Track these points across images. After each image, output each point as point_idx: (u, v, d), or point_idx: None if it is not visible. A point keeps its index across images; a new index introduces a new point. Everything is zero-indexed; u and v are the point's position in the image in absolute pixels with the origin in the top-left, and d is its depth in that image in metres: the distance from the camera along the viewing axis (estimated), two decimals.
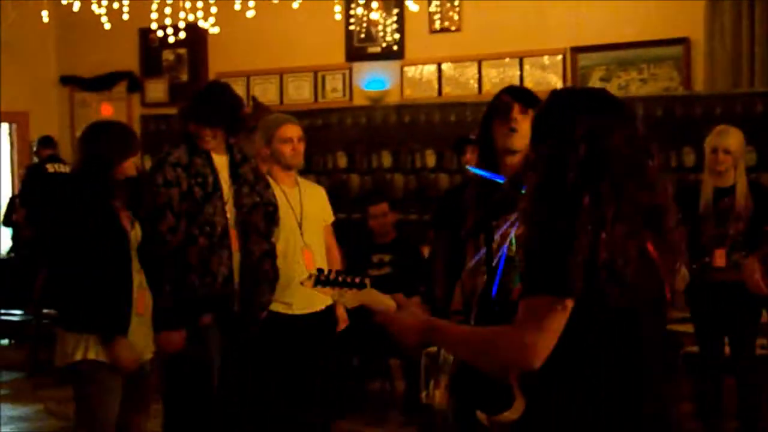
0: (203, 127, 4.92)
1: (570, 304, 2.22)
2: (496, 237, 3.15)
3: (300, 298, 5.29)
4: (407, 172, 9.49)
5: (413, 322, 2.56)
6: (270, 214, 5.15)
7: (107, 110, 11.76)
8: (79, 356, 4.41)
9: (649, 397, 2.46)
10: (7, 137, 11.89)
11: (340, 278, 2.74)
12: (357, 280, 2.76)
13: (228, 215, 4.96)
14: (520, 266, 2.62)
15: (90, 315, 4.38)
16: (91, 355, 4.39)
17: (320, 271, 2.75)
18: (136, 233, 4.54)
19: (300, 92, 10.53)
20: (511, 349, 2.28)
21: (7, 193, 11.24)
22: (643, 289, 2.41)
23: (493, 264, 3.05)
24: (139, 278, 4.53)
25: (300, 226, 5.43)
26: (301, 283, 2.82)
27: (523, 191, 2.62)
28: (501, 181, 3.41)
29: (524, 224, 2.46)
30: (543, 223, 2.31)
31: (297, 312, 5.35)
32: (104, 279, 4.38)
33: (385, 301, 2.74)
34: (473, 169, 3.72)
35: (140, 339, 4.60)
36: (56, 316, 4.95)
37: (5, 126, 11.89)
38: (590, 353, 2.37)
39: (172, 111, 8.97)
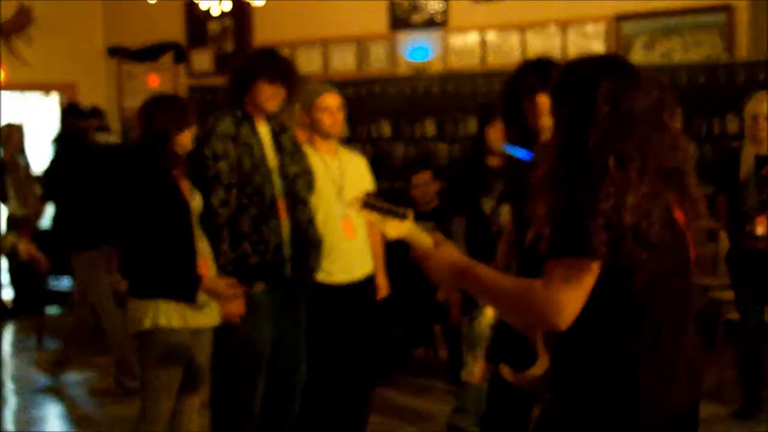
0: (269, 85, 4.95)
1: (596, 266, 2.23)
2: None
3: (340, 266, 5.37)
4: (451, 141, 9.73)
5: (450, 259, 2.54)
6: (310, 182, 5.20)
7: (154, 81, 12.07)
8: (148, 324, 4.55)
9: (676, 359, 2.47)
10: (57, 105, 12.02)
11: (385, 206, 2.72)
12: (400, 210, 2.72)
13: (276, 184, 5.04)
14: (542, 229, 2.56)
15: (161, 282, 4.51)
16: (163, 322, 4.52)
17: (368, 194, 2.76)
18: (197, 203, 4.63)
19: (344, 62, 10.63)
20: (539, 307, 2.31)
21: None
22: (668, 251, 2.42)
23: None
24: (201, 246, 4.63)
25: (339, 194, 5.50)
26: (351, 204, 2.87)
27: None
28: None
29: (547, 188, 2.44)
30: (567, 186, 2.32)
31: (337, 280, 5.39)
32: (171, 247, 4.50)
33: (424, 237, 2.70)
34: (510, 149, 3.77)
35: (207, 309, 4.74)
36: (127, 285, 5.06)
37: (55, 96, 12.14)
38: (617, 315, 2.40)
39: (218, 81, 9.05)
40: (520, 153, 3.65)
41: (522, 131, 3.90)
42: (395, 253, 5.64)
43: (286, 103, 5.31)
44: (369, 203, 2.72)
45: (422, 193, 7.47)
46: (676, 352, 2.45)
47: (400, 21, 10.16)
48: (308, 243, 5.14)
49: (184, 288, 4.52)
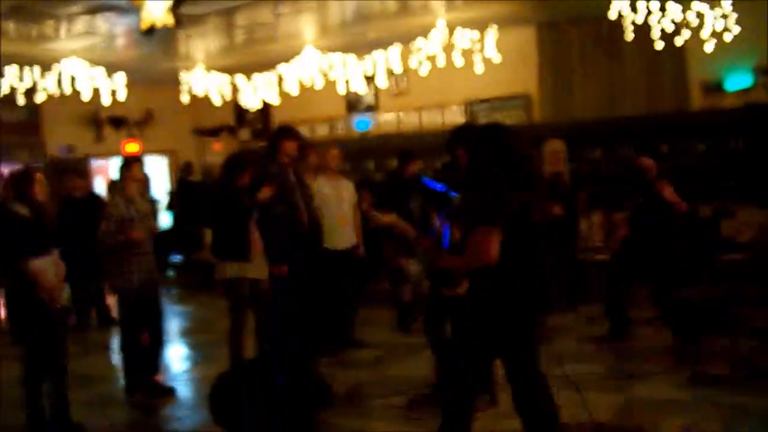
0: (292, 142, 6.88)
1: (498, 230, 3.74)
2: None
3: (337, 240, 7.68)
4: (382, 171, 14.01)
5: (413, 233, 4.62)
6: (311, 198, 7.16)
7: (218, 146, 16.38)
8: (227, 274, 6.69)
9: (536, 283, 3.99)
10: (166, 163, 17.13)
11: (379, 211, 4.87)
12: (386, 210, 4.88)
13: (301, 199, 7.00)
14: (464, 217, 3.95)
15: (231, 251, 6.60)
16: (232, 275, 6.66)
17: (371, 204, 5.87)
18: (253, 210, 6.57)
19: (322, 131, 15.36)
20: (481, 255, 3.79)
21: (166, 193, 16.16)
22: (534, 223, 3.95)
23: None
24: (256, 233, 6.58)
25: (338, 201, 7.82)
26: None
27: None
28: (441, 189, 4.53)
29: (469, 194, 3.88)
30: (482, 191, 3.77)
31: (336, 247, 7.65)
32: (236, 233, 6.57)
33: (401, 223, 4.79)
34: (425, 180, 4.79)
35: (260, 268, 6.67)
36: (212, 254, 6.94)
37: (165, 157, 17.15)
38: (504, 255, 3.85)
39: (254, 145, 13.14)
40: (429, 182, 4.68)
41: (453, 167, 5.48)
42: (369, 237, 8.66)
43: (299, 155, 7.15)
44: (376, 207, 5.40)
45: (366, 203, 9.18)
46: (524, 278, 3.99)
47: (352, 108, 15.06)
48: (317, 228, 7.15)
49: (243, 255, 6.50)
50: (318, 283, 7.22)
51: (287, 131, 7.22)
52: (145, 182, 7.23)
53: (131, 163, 6.93)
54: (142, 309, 6.77)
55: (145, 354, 6.93)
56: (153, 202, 13.85)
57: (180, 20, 7.81)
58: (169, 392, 7.15)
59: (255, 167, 6.91)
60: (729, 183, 10.65)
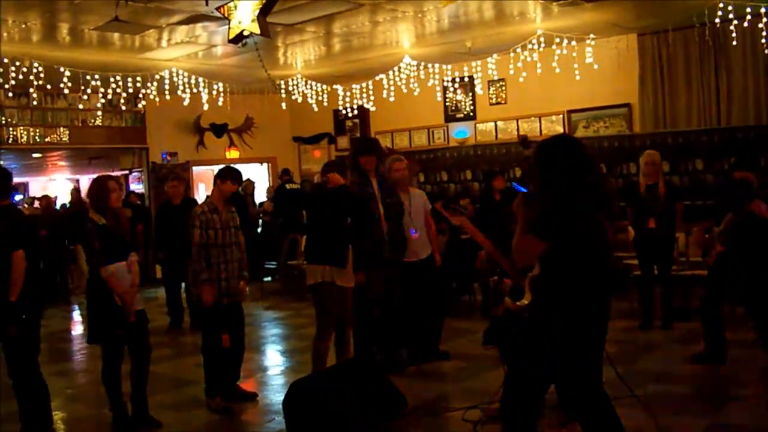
0: (367, 157, 7.17)
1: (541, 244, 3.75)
2: None
3: (411, 252, 7.57)
4: (480, 181, 14.00)
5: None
6: (401, 207, 7.35)
7: (317, 154, 16.72)
8: (318, 279, 6.66)
9: (597, 303, 3.91)
10: (266, 170, 17.36)
11: (453, 207, 6.05)
12: (461, 210, 6.19)
13: (380, 209, 7.15)
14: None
15: (325, 255, 6.65)
16: (322, 279, 6.63)
17: (447, 204, 6.30)
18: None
19: (421, 140, 15.45)
20: (521, 256, 3.91)
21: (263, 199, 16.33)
22: (600, 240, 3.89)
23: None
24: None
25: (409, 215, 7.59)
26: None
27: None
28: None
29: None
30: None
31: (411, 260, 7.56)
32: (330, 238, 6.65)
33: (470, 225, 4.58)
34: (515, 185, 4.67)
35: (348, 275, 6.76)
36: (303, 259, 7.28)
37: (265, 165, 17.41)
38: (566, 272, 3.84)
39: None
40: (519, 188, 4.52)
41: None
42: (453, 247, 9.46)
43: (380, 164, 7.42)
44: (447, 206, 6.36)
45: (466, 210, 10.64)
46: (585, 294, 3.88)
47: (450, 116, 15.07)
48: (398, 240, 7.32)
49: (339, 261, 6.58)
50: (395, 294, 7.24)
51: (362, 145, 7.36)
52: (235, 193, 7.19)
53: (227, 177, 6.95)
54: (224, 314, 6.81)
55: (227, 359, 6.98)
56: (247, 210, 13.99)
57: (266, 28, 7.91)
58: (251, 398, 7.19)
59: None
60: None
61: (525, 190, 4.41)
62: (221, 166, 7.23)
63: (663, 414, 4.93)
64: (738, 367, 7.30)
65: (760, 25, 9.98)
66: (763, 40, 10.12)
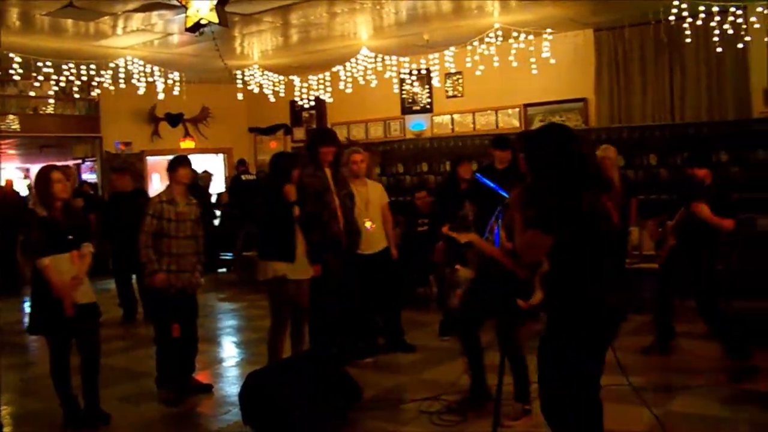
0: (328, 148, 7.04)
1: (548, 238, 3.54)
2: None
3: (366, 245, 7.50)
4: (436, 174, 13.95)
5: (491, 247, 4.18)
6: (352, 198, 7.26)
7: (273, 145, 16.60)
8: (269, 275, 6.57)
9: (604, 298, 3.67)
10: (222, 160, 17.24)
11: (461, 226, 4.22)
12: (468, 226, 4.21)
13: (336, 201, 7.09)
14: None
15: (274, 251, 6.51)
16: (274, 275, 6.56)
17: (453, 226, 4.23)
18: (296, 209, 6.45)
19: (377, 132, 15.47)
20: (526, 255, 3.70)
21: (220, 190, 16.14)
22: (605, 229, 3.68)
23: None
24: (298, 233, 6.46)
25: (366, 207, 7.58)
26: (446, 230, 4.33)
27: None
28: (494, 187, 4.47)
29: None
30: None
31: (365, 252, 7.52)
32: (280, 233, 6.44)
33: (482, 241, 4.27)
34: (481, 178, 4.85)
35: (302, 268, 6.67)
36: (255, 253, 7.19)
37: (221, 155, 17.29)
38: (570, 264, 3.64)
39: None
40: (485, 180, 4.70)
41: (490, 170, 6.07)
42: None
43: (338, 156, 7.30)
44: (454, 227, 4.19)
45: (422, 203, 10.32)
46: (602, 279, 3.67)
47: (407, 109, 15.10)
48: (353, 232, 7.24)
49: (287, 255, 6.46)
50: (351, 287, 7.19)
51: (323, 136, 7.25)
52: (194, 184, 7.08)
53: (177, 165, 6.86)
54: (175, 305, 6.73)
55: (180, 350, 6.91)
56: (207, 202, 14.02)
57: (224, 18, 7.82)
58: (206, 390, 7.15)
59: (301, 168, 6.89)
60: None
61: (491, 184, 4.45)
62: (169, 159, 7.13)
63: (613, 404, 4.91)
64: (688, 357, 7.42)
65: (713, 24, 10.10)
66: (716, 38, 10.25)
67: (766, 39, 10.09)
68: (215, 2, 7.74)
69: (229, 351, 9.13)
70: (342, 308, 7.19)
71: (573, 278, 3.67)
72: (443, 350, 7.99)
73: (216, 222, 14.97)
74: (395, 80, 13.27)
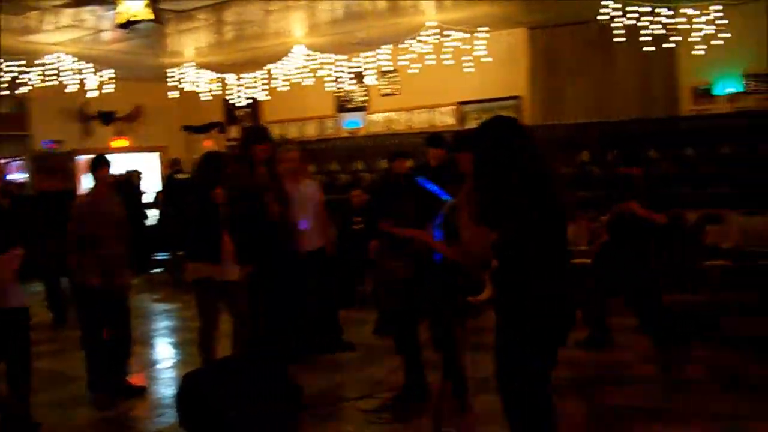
0: (262, 146, 6.92)
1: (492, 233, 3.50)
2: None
3: (302, 243, 7.47)
4: (371, 172, 14.09)
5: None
6: (284, 196, 7.18)
7: (208, 144, 16.24)
8: (195, 276, 6.50)
9: (559, 295, 3.63)
10: (158, 159, 17.01)
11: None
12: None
13: (270, 200, 7.01)
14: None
15: (201, 252, 6.46)
16: (200, 276, 6.47)
17: (395, 219, 4.66)
18: (225, 210, 6.37)
19: (312, 130, 15.53)
20: (472, 249, 3.67)
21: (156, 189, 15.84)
22: (554, 224, 3.61)
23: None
24: (225, 235, 6.37)
25: (301, 206, 7.47)
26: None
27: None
28: (435, 190, 4.49)
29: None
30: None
31: (301, 251, 7.48)
32: (206, 234, 6.42)
33: (424, 235, 4.26)
34: (420, 180, 4.82)
35: (230, 269, 6.55)
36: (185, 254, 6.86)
37: (155, 154, 17.06)
38: (526, 262, 3.59)
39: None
40: (427, 184, 4.65)
41: (425, 168, 5.96)
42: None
43: (274, 157, 7.20)
44: (396, 223, 4.62)
45: (358, 201, 10.26)
46: (552, 278, 3.62)
47: (342, 107, 15.15)
48: (288, 232, 7.21)
49: (213, 257, 6.31)
50: (289, 285, 7.11)
51: (257, 134, 7.15)
52: (120, 183, 6.92)
53: (98, 164, 6.73)
54: (104, 307, 6.62)
55: (111, 353, 6.81)
56: (137, 201, 13.86)
57: (159, 15, 7.70)
58: (140, 392, 7.03)
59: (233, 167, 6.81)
60: (717, 188, 10.61)
61: (432, 188, 4.40)
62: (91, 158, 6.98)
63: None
64: (621, 351, 7.55)
65: (643, 24, 10.30)
66: (646, 38, 10.46)
67: (692, 38, 10.29)
68: None
69: (165, 352, 9.00)
70: (279, 308, 7.10)
71: (522, 274, 3.61)
72: (381, 348, 7.98)
73: (149, 222, 14.73)
74: (330, 78, 13.18)
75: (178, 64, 13.65)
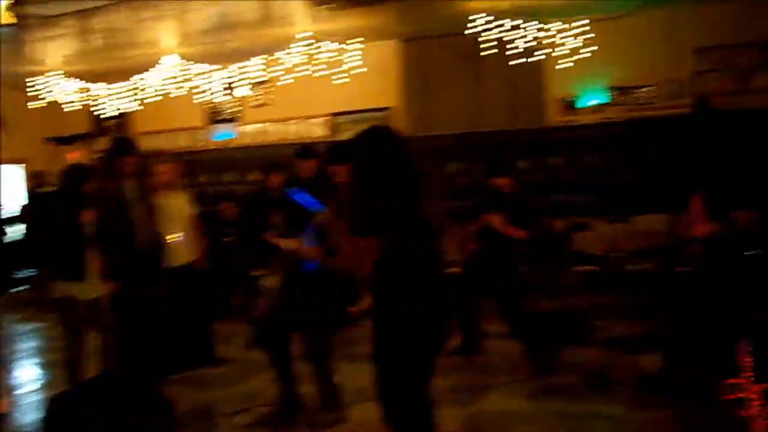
0: (129, 159, 6.86)
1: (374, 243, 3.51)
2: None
3: (172, 258, 7.42)
4: (244, 183, 13.99)
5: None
6: (152, 208, 7.07)
7: (73, 156, 15.71)
8: (57, 294, 6.48)
9: (435, 303, 3.69)
10: (21, 171, 16.12)
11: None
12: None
13: (138, 214, 6.93)
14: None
15: (63, 269, 6.39)
16: (62, 294, 6.46)
17: (271, 230, 4.75)
18: (91, 225, 6.27)
19: (184, 141, 15.21)
20: (352, 262, 3.69)
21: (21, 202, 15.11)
22: (430, 234, 3.72)
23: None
24: (92, 250, 6.27)
25: (171, 219, 7.41)
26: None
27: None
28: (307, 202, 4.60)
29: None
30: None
31: (171, 265, 7.36)
32: (69, 251, 6.35)
33: (304, 248, 4.70)
34: (294, 196, 5.01)
35: (95, 287, 6.50)
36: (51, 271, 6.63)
37: (18, 166, 16.19)
38: (402, 270, 3.63)
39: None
40: (298, 195, 4.87)
41: (296, 180, 5.86)
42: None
43: (143, 170, 7.06)
44: (276, 233, 4.80)
45: (228, 214, 10.55)
46: (427, 287, 3.69)
47: (213, 118, 15.03)
48: (158, 246, 7.18)
49: (75, 272, 6.31)
50: (159, 301, 6.98)
51: (124, 146, 7.01)
52: None
53: None
54: None
55: None
56: None
57: (21, 20, 7.36)
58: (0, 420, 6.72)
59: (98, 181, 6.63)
60: (583, 197, 11.01)
61: (304, 201, 4.37)
62: None
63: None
64: (494, 356, 7.74)
65: (512, 37, 10.59)
66: (514, 51, 10.74)
67: (559, 52, 10.65)
68: (11, 1, 7.22)
69: (29, 375, 8.67)
70: (148, 324, 6.94)
71: (397, 284, 3.64)
72: (254, 362, 7.84)
73: (12, 237, 14.06)
74: (202, 89, 12.97)
75: (42, 72, 13.09)
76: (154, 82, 12.69)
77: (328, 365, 5.74)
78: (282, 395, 6.12)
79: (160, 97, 12.81)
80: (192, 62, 12.59)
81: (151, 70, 12.62)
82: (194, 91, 12.95)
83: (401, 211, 3.63)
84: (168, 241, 7.28)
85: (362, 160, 3.79)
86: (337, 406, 5.85)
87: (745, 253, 6.21)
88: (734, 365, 4.85)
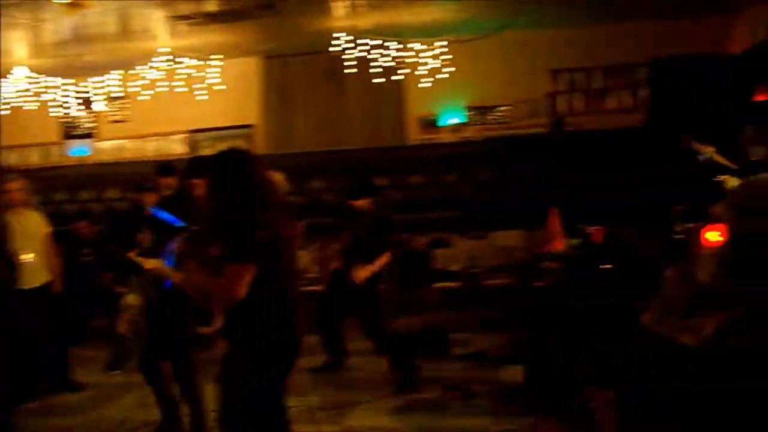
0: None
1: (252, 268, 3.46)
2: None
3: (25, 279, 7.04)
4: (100, 202, 13.59)
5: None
6: (6, 231, 6.68)
7: None
8: None
9: (288, 323, 3.69)
10: None
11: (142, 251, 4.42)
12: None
13: None
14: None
15: None
16: None
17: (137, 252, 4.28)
18: None
19: (36, 157, 14.85)
20: (229, 293, 3.52)
21: None
22: (287, 255, 3.68)
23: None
24: None
25: (24, 238, 7.02)
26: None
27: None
28: (171, 220, 4.30)
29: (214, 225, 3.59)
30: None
31: (25, 287, 7.02)
32: None
33: (166, 269, 4.05)
34: (156, 212, 4.67)
35: None
36: None
37: None
38: (260, 294, 3.58)
39: None
40: (161, 213, 4.52)
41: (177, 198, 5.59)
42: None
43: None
44: (140, 253, 4.32)
45: (86, 233, 9.91)
46: (279, 307, 3.67)
47: (68, 133, 14.68)
48: (10, 266, 6.71)
49: None
50: (10, 324, 6.56)
51: None
52: None
53: None
54: None
55: None
56: None
57: None
58: None
59: None
60: (444, 213, 11.12)
61: (166, 217, 4.30)
62: None
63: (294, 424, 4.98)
64: (358, 374, 7.75)
65: (373, 56, 10.79)
66: (376, 70, 10.95)
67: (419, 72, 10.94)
68: None
69: None
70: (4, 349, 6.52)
71: (249, 304, 3.59)
72: (113, 386, 7.67)
73: None
74: (56, 103, 12.60)
75: None
76: (3, 95, 12.21)
77: (193, 385, 5.63)
78: (162, 418, 5.91)
79: (10, 111, 12.30)
80: (45, 75, 12.18)
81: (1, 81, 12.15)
82: (49, 104, 12.61)
83: (251, 228, 3.58)
84: (20, 261, 6.88)
85: (218, 176, 3.74)
86: (204, 428, 5.72)
87: (600, 267, 6.44)
88: (590, 374, 5.03)
